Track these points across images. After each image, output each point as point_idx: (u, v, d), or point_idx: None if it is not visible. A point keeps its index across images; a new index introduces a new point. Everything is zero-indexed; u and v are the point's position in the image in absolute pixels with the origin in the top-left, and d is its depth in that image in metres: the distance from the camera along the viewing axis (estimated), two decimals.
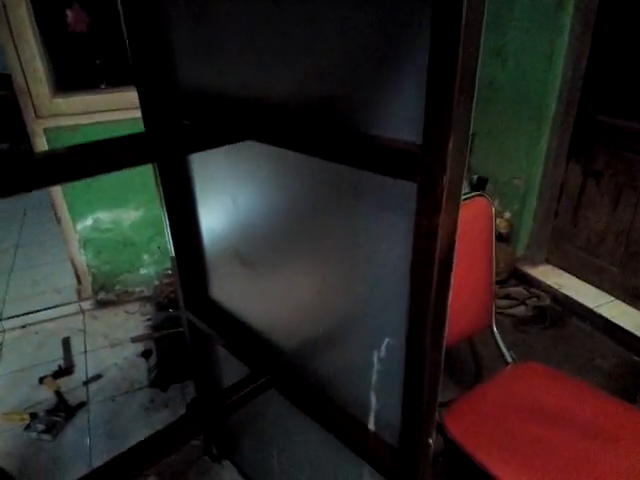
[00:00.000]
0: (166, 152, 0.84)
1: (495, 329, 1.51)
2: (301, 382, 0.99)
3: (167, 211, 1.12)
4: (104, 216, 2.46)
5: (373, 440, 0.86)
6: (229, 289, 1.16)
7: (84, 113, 2.24)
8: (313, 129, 0.71)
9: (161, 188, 1.10)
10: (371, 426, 0.88)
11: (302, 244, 0.86)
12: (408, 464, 0.79)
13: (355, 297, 0.79)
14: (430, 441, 0.76)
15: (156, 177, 1.10)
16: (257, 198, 0.93)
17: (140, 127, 1.01)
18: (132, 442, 1.86)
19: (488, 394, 1.38)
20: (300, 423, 1.07)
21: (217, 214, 1.08)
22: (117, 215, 2.49)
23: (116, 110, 2.25)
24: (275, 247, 0.93)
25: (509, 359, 1.51)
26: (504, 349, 1.52)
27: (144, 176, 2.39)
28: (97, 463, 1.76)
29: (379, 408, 0.85)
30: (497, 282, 2.69)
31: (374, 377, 0.82)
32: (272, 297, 1.01)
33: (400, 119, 0.58)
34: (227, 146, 0.91)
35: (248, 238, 1.00)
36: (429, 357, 0.68)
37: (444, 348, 0.69)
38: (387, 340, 0.76)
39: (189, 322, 1.24)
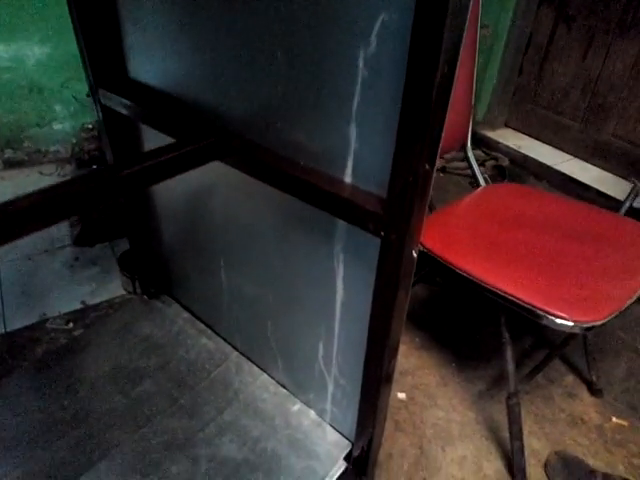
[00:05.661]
0: None
1: (469, 146, 1.34)
2: (253, 144, 0.77)
3: None
4: (0, 50, 2.00)
5: (352, 193, 0.67)
6: (156, 54, 0.88)
7: None
8: None
9: None
10: (348, 178, 0.68)
11: None
12: (400, 205, 0.60)
13: None
14: (428, 167, 0.58)
15: None
16: None
17: None
18: (54, 298, 1.65)
19: (463, 209, 1.24)
20: (254, 203, 0.87)
21: None
22: (17, 50, 2.03)
23: None
24: None
25: (482, 182, 1.37)
26: (477, 171, 1.37)
27: None
28: (12, 321, 1.52)
29: (359, 151, 0.65)
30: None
31: (356, 98, 0.61)
32: (216, 44, 0.75)
33: None
34: None
35: None
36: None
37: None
38: (382, 18, 0.53)
39: (103, 108, 0.96)
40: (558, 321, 0.90)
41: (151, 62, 0.91)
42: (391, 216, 0.62)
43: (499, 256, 1.05)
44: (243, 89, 0.75)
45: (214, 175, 0.91)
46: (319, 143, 0.69)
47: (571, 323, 0.89)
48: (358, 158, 0.66)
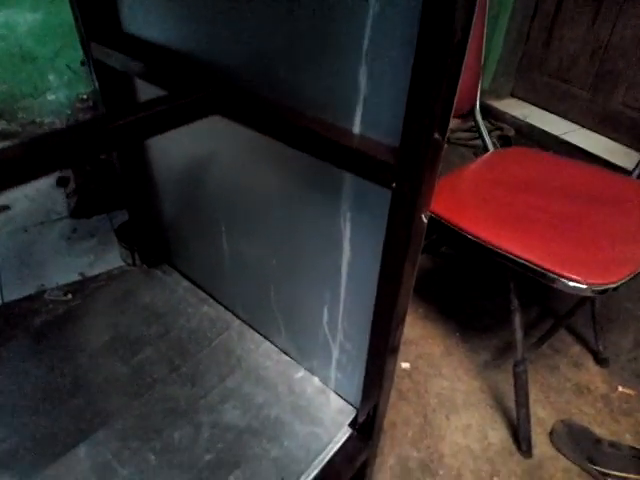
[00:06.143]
0: None
1: (478, 109, 1.30)
2: (255, 95, 0.73)
3: None
4: None
5: (361, 143, 0.63)
6: (151, 5, 0.83)
7: None
8: None
9: None
10: (357, 128, 0.65)
11: None
12: (414, 153, 0.57)
13: None
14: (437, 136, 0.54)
15: None
16: None
17: None
18: (52, 270, 1.62)
19: (471, 174, 1.20)
20: (256, 162, 0.84)
21: None
22: (8, 17, 1.96)
23: None
24: None
25: (490, 147, 1.33)
26: (486, 135, 1.32)
27: None
28: (10, 292, 1.50)
29: (369, 97, 0.61)
30: (459, 116, 2.51)
31: (366, 38, 0.57)
32: None
33: None
34: None
35: None
36: None
37: None
38: None
39: (96, 63, 0.91)
40: (571, 284, 0.87)
41: (146, 14, 0.86)
42: (404, 165, 0.58)
43: (510, 220, 1.01)
44: (242, 34, 0.70)
45: (214, 136, 0.87)
46: (326, 91, 0.65)
47: (584, 286, 0.86)
48: (368, 105, 0.62)
